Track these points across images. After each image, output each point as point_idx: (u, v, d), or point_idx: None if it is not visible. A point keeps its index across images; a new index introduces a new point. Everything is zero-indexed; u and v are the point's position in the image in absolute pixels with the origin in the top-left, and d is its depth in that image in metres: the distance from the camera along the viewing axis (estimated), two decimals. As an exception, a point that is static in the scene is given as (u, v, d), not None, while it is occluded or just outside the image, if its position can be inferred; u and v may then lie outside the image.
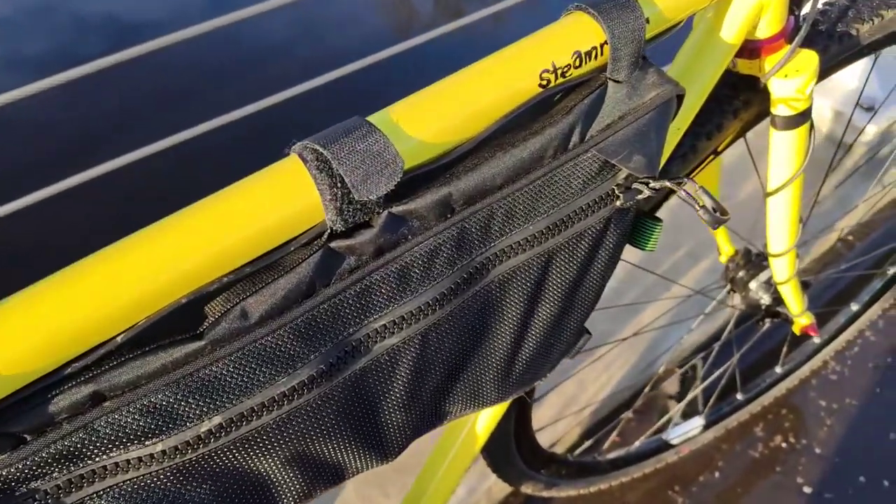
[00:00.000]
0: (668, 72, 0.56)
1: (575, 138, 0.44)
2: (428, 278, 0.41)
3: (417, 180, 0.40)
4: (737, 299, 1.01)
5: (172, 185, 1.90)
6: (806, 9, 0.60)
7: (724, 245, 0.99)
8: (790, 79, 0.57)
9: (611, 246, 0.50)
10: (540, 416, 1.24)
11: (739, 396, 1.26)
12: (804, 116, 0.60)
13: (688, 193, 0.46)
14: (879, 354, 1.43)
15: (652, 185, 0.46)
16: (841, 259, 1.54)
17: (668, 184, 0.46)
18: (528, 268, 0.46)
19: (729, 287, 0.99)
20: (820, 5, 0.60)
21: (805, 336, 1.27)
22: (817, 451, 1.30)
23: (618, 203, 0.47)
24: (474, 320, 0.46)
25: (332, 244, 0.37)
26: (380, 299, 0.40)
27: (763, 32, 0.56)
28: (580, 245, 0.48)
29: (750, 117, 0.63)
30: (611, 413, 1.31)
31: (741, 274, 0.98)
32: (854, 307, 1.25)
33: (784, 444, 1.31)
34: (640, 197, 0.47)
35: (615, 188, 0.47)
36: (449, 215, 0.41)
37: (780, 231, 0.73)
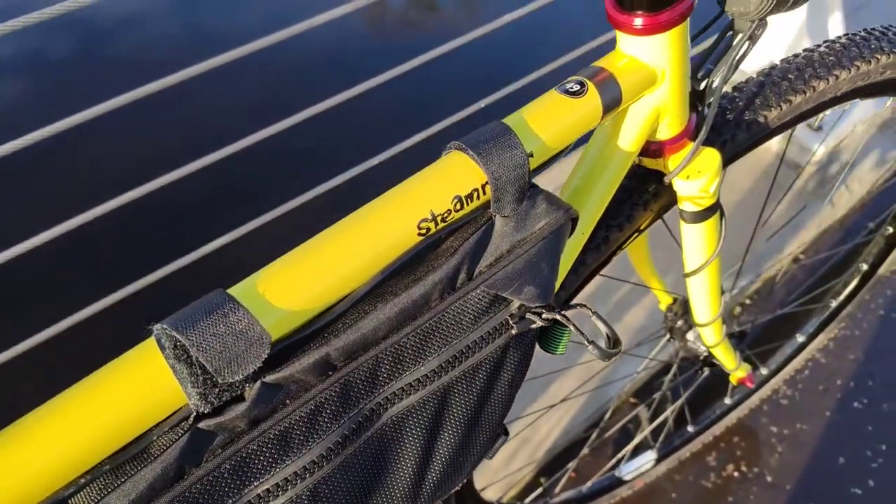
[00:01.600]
0: (568, 179, 0.56)
1: (462, 277, 0.44)
2: (312, 437, 0.40)
3: (291, 347, 0.39)
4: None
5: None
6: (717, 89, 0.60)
7: (661, 294, 1.00)
8: (693, 180, 0.57)
9: (513, 366, 0.49)
10: (484, 468, 1.23)
11: (690, 428, 1.27)
12: (712, 210, 0.60)
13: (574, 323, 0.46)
14: (829, 377, 1.45)
15: (545, 315, 0.46)
16: (788, 287, 1.56)
17: (558, 317, 0.46)
18: (423, 405, 0.45)
19: (668, 336, 1.00)
20: (725, 89, 0.60)
21: (753, 365, 1.28)
22: (769, 479, 1.32)
23: (513, 332, 0.46)
24: (371, 462, 0.45)
25: (201, 424, 0.37)
26: (259, 467, 0.39)
27: (664, 134, 0.55)
28: (478, 374, 0.47)
29: (660, 206, 0.63)
30: (563, 453, 1.31)
31: (679, 323, 0.98)
32: (800, 338, 1.26)
33: (736, 474, 1.33)
34: (534, 326, 0.47)
35: (509, 318, 0.46)
36: (330, 373, 0.40)
37: (703, 305, 0.73)
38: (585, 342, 0.45)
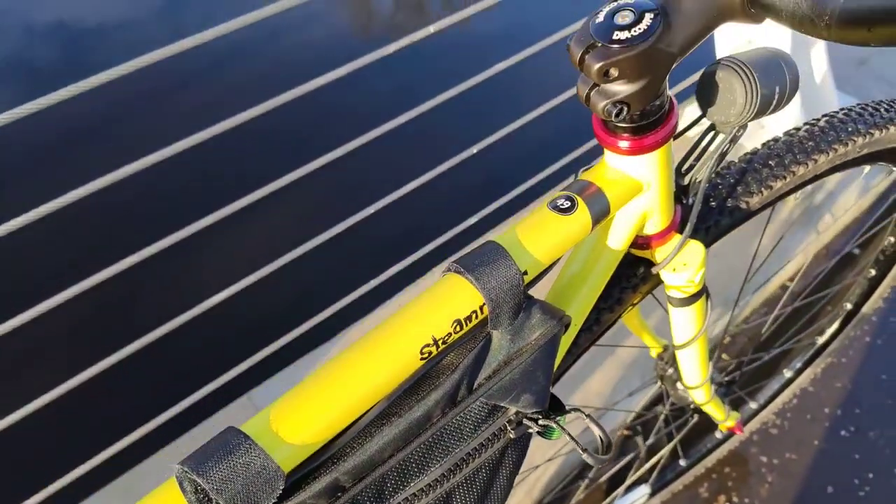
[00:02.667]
0: (559, 276, 0.58)
1: (462, 391, 0.47)
2: None
3: (302, 477, 0.41)
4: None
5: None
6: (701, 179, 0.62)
7: (651, 342, 1.02)
8: (678, 273, 0.60)
9: (511, 463, 0.52)
10: None
11: (683, 462, 1.30)
12: (698, 295, 0.63)
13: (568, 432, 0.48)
14: (817, 405, 1.48)
15: (541, 422, 0.49)
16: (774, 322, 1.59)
17: (554, 425, 0.48)
18: None
19: (659, 383, 1.03)
20: (706, 180, 0.63)
21: (741, 400, 1.31)
22: (759, 509, 1.35)
23: (511, 436, 0.49)
24: None
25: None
26: None
27: (651, 229, 0.58)
28: (478, 476, 0.50)
29: (649, 287, 0.65)
30: (559, 494, 1.34)
31: (670, 371, 1.01)
32: (787, 374, 1.30)
33: (728, 504, 1.36)
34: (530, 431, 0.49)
35: (507, 424, 0.49)
36: (339, 494, 0.43)
37: (693, 371, 0.76)
38: (579, 450, 0.48)
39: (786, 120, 1.67)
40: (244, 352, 1.36)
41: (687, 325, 0.67)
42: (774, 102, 0.52)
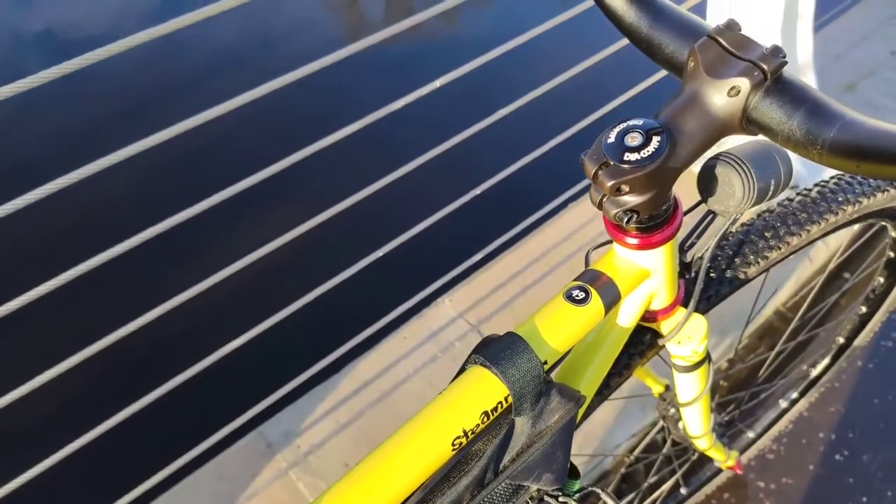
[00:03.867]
0: (571, 354, 0.62)
1: (489, 475, 0.51)
2: None
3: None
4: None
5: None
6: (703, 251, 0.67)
7: (652, 382, 1.06)
8: (683, 345, 0.64)
9: None
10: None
11: (683, 491, 1.35)
12: (701, 363, 0.67)
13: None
14: (812, 430, 1.53)
15: (561, 499, 0.53)
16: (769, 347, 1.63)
17: (572, 502, 0.53)
18: None
19: (661, 423, 1.07)
20: (708, 261, 0.67)
21: (739, 430, 1.36)
22: (758, 534, 1.39)
23: None
24: None
25: None
26: None
27: (657, 305, 0.62)
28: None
29: (655, 352, 0.70)
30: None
31: (672, 411, 1.05)
32: (783, 404, 1.34)
33: (727, 530, 1.40)
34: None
35: (528, 501, 0.53)
36: None
37: (695, 423, 0.81)
38: (598, 530, 0.52)
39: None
40: (256, 387, 1.40)
41: (690, 388, 0.71)
42: (770, 192, 0.57)
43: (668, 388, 1.07)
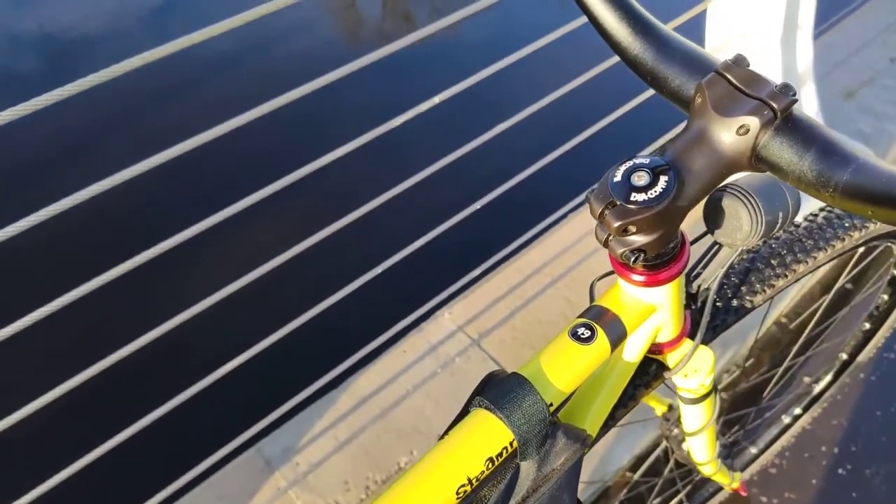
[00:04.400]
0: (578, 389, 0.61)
1: (492, 520, 0.49)
2: None
3: None
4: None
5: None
6: (708, 281, 0.66)
7: (656, 404, 1.05)
8: (689, 378, 0.63)
9: None
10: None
11: (686, 509, 1.34)
12: (708, 394, 0.66)
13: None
14: (814, 444, 1.52)
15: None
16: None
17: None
18: None
19: (665, 444, 1.06)
20: (714, 293, 0.66)
21: (742, 447, 1.35)
22: (761, 550, 1.38)
23: None
24: None
25: None
26: None
27: (663, 338, 0.61)
28: None
29: (661, 383, 0.68)
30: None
31: (675, 432, 1.04)
32: (786, 420, 1.33)
33: (729, 546, 1.39)
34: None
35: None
36: None
37: (701, 451, 0.79)
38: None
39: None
40: (254, 404, 1.38)
41: (696, 418, 0.70)
42: (779, 225, 0.55)
43: (671, 407, 1.06)
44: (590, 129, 1.47)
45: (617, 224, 0.45)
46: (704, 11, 1.64)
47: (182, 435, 1.51)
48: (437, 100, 1.09)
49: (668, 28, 0.53)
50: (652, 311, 0.56)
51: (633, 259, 0.48)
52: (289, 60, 2.95)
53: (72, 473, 1.03)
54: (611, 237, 0.48)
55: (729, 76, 0.46)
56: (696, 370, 0.63)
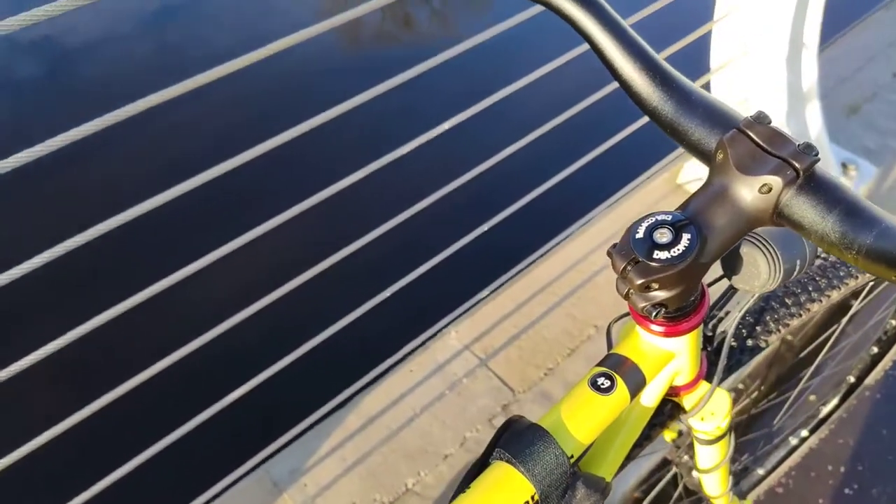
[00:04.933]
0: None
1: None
2: None
3: None
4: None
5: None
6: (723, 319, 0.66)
7: (666, 431, 1.05)
8: (706, 422, 0.63)
9: None
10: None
11: (694, 531, 1.34)
12: (723, 436, 0.66)
13: None
14: (820, 463, 1.52)
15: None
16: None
17: None
18: None
19: (675, 470, 1.06)
20: (731, 340, 0.66)
21: (748, 468, 1.35)
22: (768, 570, 1.38)
23: None
24: None
25: None
26: None
27: (680, 381, 0.61)
28: None
29: (675, 422, 0.69)
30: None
31: (685, 458, 1.04)
32: (793, 441, 1.33)
33: (737, 567, 1.39)
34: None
35: None
36: None
37: (714, 486, 0.80)
38: None
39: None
40: (261, 425, 1.38)
41: (711, 457, 0.70)
42: (796, 272, 0.56)
43: (681, 433, 1.06)
44: (597, 148, 1.47)
45: (640, 282, 0.46)
46: (710, 31, 1.64)
47: (189, 458, 1.51)
48: (446, 126, 1.09)
49: (688, 80, 0.53)
50: (671, 358, 0.56)
51: (654, 314, 0.48)
52: (289, 60, 2.95)
53: (85, 501, 1.03)
54: (632, 291, 0.48)
55: (751, 133, 0.46)
56: (712, 413, 0.63)
